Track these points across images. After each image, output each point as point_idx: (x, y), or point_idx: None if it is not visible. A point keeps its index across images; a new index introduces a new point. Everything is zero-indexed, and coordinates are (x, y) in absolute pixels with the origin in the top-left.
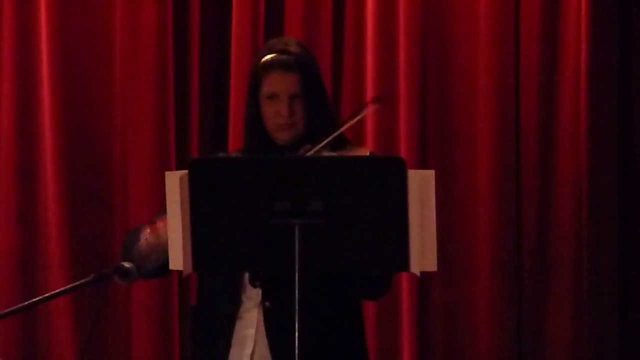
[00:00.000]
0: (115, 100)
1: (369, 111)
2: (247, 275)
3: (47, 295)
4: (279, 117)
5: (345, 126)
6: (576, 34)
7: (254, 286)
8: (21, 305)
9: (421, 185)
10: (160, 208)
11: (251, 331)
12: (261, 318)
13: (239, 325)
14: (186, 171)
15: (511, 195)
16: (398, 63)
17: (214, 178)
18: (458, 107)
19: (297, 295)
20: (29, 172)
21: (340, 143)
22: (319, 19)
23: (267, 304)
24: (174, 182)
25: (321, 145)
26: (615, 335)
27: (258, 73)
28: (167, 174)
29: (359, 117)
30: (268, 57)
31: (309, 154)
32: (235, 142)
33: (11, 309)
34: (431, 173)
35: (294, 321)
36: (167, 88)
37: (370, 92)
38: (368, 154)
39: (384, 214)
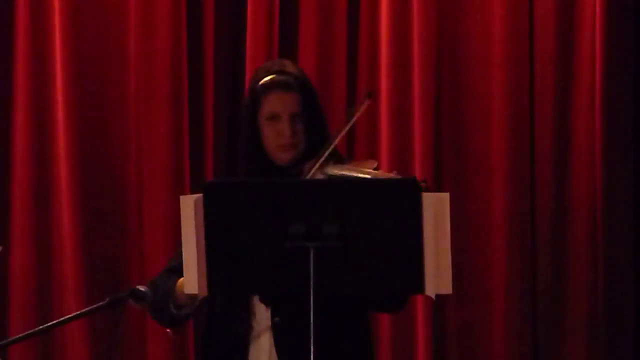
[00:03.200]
0: (130, 125)
1: (364, 109)
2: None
3: (62, 319)
4: (281, 137)
5: (344, 130)
6: (591, 55)
7: (266, 305)
8: (37, 329)
9: (436, 208)
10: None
11: (265, 357)
12: (272, 338)
13: (251, 351)
14: (201, 195)
15: (526, 216)
16: (412, 85)
17: (229, 201)
18: (473, 129)
19: (312, 317)
20: (44, 196)
21: (340, 157)
22: (334, 44)
23: (276, 319)
24: (189, 205)
25: (323, 158)
26: (631, 356)
27: (257, 94)
28: (182, 197)
29: (354, 119)
30: (266, 78)
31: (314, 169)
32: None
33: (27, 332)
34: (446, 195)
35: (302, 336)
36: (181, 111)
37: (384, 113)
38: (375, 165)
39: (398, 236)
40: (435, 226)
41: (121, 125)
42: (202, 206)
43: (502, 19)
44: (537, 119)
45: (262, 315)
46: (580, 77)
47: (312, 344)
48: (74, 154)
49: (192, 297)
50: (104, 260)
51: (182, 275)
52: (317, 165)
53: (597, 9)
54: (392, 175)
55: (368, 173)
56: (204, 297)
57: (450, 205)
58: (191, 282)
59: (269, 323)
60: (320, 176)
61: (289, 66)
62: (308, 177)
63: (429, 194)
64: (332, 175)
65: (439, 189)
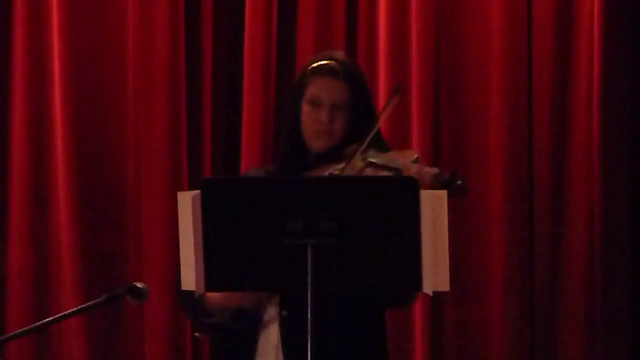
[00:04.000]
0: (128, 121)
1: (395, 99)
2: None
3: (60, 315)
4: (318, 123)
5: (384, 116)
6: (589, 54)
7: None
8: (34, 325)
9: (434, 205)
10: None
11: (273, 350)
12: (279, 331)
13: (260, 344)
14: (198, 191)
15: (523, 215)
16: (411, 84)
17: (226, 198)
18: (471, 128)
19: (309, 313)
20: (42, 193)
21: (382, 145)
22: (332, 40)
23: (284, 312)
24: (187, 202)
25: (365, 143)
26: (628, 354)
27: (305, 77)
28: (180, 194)
29: (389, 108)
30: (319, 62)
31: (357, 154)
32: (247, 161)
33: (24, 329)
34: (443, 193)
35: (312, 330)
36: (179, 108)
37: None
38: (416, 156)
39: (396, 233)
40: (433, 223)
41: (119, 122)
42: (200, 203)
43: (500, 16)
44: (534, 117)
45: (271, 307)
46: (578, 75)
47: (309, 339)
48: (72, 151)
49: (224, 306)
50: (102, 257)
51: None
52: (359, 150)
53: (595, 7)
54: (431, 170)
55: (405, 165)
56: (239, 306)
57: (448, 203)
58: (189, 279)
59: (277, 315)
60: (360, 163)
61: (343, 56)
62: (349, 162)
63: (427, 191)
64: (371, 162)
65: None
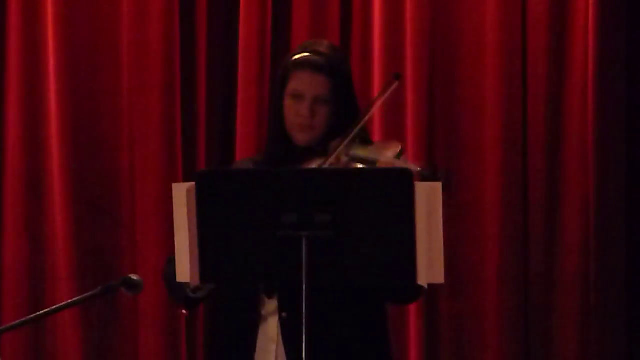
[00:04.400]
0: (123, 113)
1: (391, 90)
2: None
3: (54, 307)
4: (299, 117)
5: (371, 112)
6: (583, 45)
7: (269, 297)
8: (29, 317)
9: (428, 197)
10: (170, 226)
11: (272, 345)
12: (280, 333)
13: (259, 339)
14: (193, 183)
15: (519, 206)
16: (405, 75)
17: (221, 190)
18: (465, 119)
19: (304, 307)
20: (37, 185)
21: (365, 137)
22: (326, 33)
23: (284, 314)
24: (181, 194)
25: (350, 138)
26: (622, 345)
27: (287, 70)
28: (174, 186)
29: (382, 100)
30: (300, 55)
31: (339, 148)
32: (242, 153)
33: (19, 321)
34: (438, 185)
35: (312, 331)
36: (174, 100)
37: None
38: (400, 148)
39: (391, 225)
40: (427, 215)
41: (114, 114)
42: (195, 195)
43: (495, 9)
44: (529, 110)
45: (271, 304)
46: (573, 67)
47: (304, 334)
48: (67, 144)
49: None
50: (96, 249)
51: None
52: (343, 145)
53: None
54: (414, 166)
55: (387, 160)
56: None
57: (443, 195)
58: (183, 270)
59: (276, 311)
60: (344, 157)
61: (325, 47)
62: (333, 156)
63: (422, 182)
64: (355, 156)
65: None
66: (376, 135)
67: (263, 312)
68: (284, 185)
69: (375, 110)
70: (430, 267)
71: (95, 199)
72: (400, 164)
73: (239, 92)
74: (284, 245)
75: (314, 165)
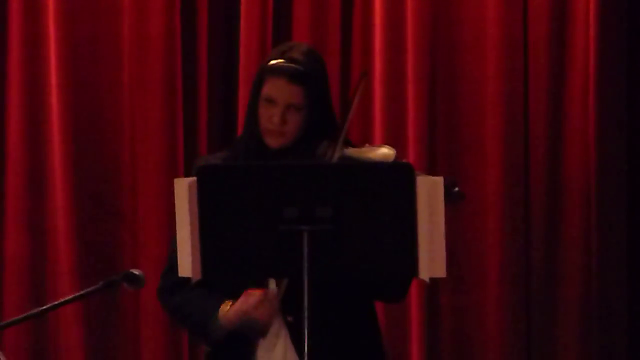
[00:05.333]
0: (124, 108)
1: (361, 89)
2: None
3: (56, 302)
4: (270, 122)
5: (350, 115)
6: (584, 39)
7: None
8: (31, 312)
9: (430, 192)
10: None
11: (276, 341)
12: (289, 335)
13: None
14: (195, 178)
15: (520, 200)
16: (406, 69)
17: (222, 185)
18: (467, 113)
19: (305, 301)
20: (38, 179)
21: (351, 143)
22: (327, 27)
23: (289, 318)
24: (183, 188)
25: (340, 143)
26: (624, 340)
27: (263, 74)
28: (176, 180)
29: (356, 101)
30: (276, 61)
31: (336, 152)
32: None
33: (20, 316)
34: (440, 179)
35: (318, 332)
36: (175, 95)
37: (378, 97)
38: (395, 153)
39: (392, 220)
40: (429, 210)
41: (115, 109)
42: (196, 189)
43: (496, 3)
44: (531, 103)
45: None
46: (574, 60)
47: (305, 327)
48: (68, 139)
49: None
50: (98, 244)
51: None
52: (337, 149)
53: None
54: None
55: (382, 156)
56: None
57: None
58: (185, 265)
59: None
60: (335, 160)
61: (302, 54)
62: (329, 160)
63: (423, 177)
64: (347, 158)
65: (432, 173)
66: (377, 131)
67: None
68: (285, 179)
69: (355, 112)
70: (431, 261)
71: (97, 194)
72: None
73: (240, 86)
74: (286, 240)
75: None
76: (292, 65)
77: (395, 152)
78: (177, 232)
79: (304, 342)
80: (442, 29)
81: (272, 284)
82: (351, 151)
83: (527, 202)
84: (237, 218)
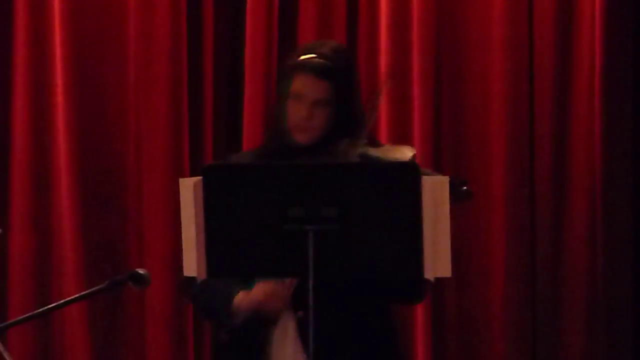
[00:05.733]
0: (129, 107)
1: (385, 90)
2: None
3: (61, 302)
4: (298, 118)
5: (373, 114)
6: (590, 39)
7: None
8: (36, 312)
9: (435, 192)
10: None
11: (288, 340)
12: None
13: (275, 333)
14: (200, 177)
15: (525, 200)
16: (412, 69)
17: (228, 184)
18: (472, 113)
19: (311, 301)
20: (43, 179)
21: (375, 142)
22: (333, 26)
23: (299, 313)
24: (188, 188)
25: (359, 139)
26: (630, 340)
27: (290, 70)
28: (181, 180)
29: (380, 99)
30: (304, 57)
31: (351, 151)
32: (249, 148)
33: (26, 315)
34: (445, 179)
35: (328, 329)
36: (181, 94)
37: (384, 96)
38: (413, 154)
39: (397, 220)
40: (434, 209)
41: (120, 108)
42: (202, 189)
43: (501, 3)
44: (536, 103)
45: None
46: (580, 60)
47: (310, 327)
48: (73, 138)
49: (247, 315)
50: (103, 244)
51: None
52: (355, 145)
53: None
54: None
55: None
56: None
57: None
58: (190, 264)
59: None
60: (356, 158)
61: (331, 49)
62: (345, 157)
63: (428, 177)
64: (366, 156)
65: (438, 172)
66: (383, 130)
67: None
68: (290, 179)
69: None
70: (437, 261)
71: (102, 193)
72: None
73: (246, 86)
74: (291, 239)
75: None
76: (320, 60)
77: (414, 153)
78: (182, 231)
79: (310, 339)
80: (448, 28)
81: None
82: (372, 150)
83: (532, 201)
84: (242, 217)
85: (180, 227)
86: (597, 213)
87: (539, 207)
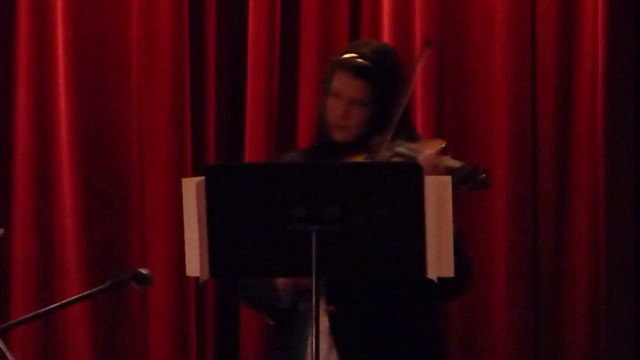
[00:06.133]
0: (132, 107)
1: (424, 59)
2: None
3: (64, 301)
4: (336, 116)
5: (411, 87)
6: (592, 39)
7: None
8: (38, 311)
9: (438, 191)
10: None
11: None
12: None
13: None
14: (203, 177)
15: (528, 200)
16: (415, 68)
17: (231, 184)
18: (474, 112)
19: (314, 300)
20: (46, 178)
21: (413, 134)
22: (336, 25)
23: (330, 308)
24: (191, 188)
25: (390, 133)
26: (632, 340)
27: (331, 67)
28: (184, 180)
29: (419, 68)
30: (345, 55)
31: (383, 146)
32: (251, 147)
33: (28, 315)
34: (448, 178)
35: (359, 324)
36: (183, 94)
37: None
38: (443, 145)
39: (400, 219)
40: (437, 209)
41: (123, 107)
42: (204, 189)
43: (505, 2)
44: (538, 103)
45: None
46: (582, 60)
47: (314, 326)
48: (76, 137)
49: (289, 291)
50: (106, 243)
51: None
52: (386, 140)
53: None
54: (453, 163)
55: (424, 156)
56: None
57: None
58: (193, 265)
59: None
60: (387, 152)
61: (372, 49)
62: (377, 153)
63: (431, 176)
64: (397, 152)
65: None
66: None
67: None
68: (293, 178)
69: (412, 89)
70: (439, 261)
71: (105, 193)
72: (433, 159)
73: (248, 86)
74: (294, 239)
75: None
76: (358, 60)
77: (444, 144)
78: (185, 231)
79: (313, 337)
80: (451, 28)
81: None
82: (402, 147)
83: (534, 201)
84: (245, 217)
85: (183, 227)
86: (599, 212)
87: (541, 206)
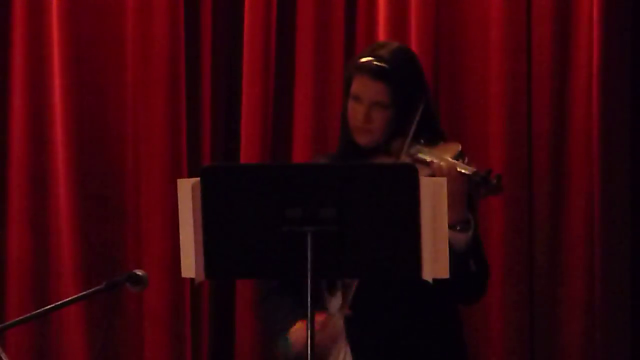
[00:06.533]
0: (127, 109)
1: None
2: (324, 284)
3: (59, 303)
4: (357, 120)
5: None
6: (588, 40)
7: (331, 294)
8: (33, 313)
9: (433, 193)
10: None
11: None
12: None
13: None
14: (198, 178)
15: (523, 201)
16: None
17: (226, 185)
18: (470, 114)
19: (309, 302)
20: (41, 179)
21: (434, 137)
22: (331, 27)
23: (348, 312)
24: (186, 189)
25: (409, 138)
26: (627, 340)
27: (351, 71)
28: (179, 181)
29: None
30: (364, 59)
31: (404, 149)
32: (247, 149)
33: (23, 316)
34: (443, 180)
35: (376, 327)
36: (179, 96)
37: None
38: (459, 149)
39: (396, 221)
40: (432, 211)
41: (118, 109)
42: (200, 190)
43: (500, 4)
44: (534, 104)
45: (336, 299)
46: (578, 61)
47: (308, 329)
48: (71, 138)
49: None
50: (101, 244)
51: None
52: (406, 144)
53: None
54: (466, 168)
55: (443, 160)
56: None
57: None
58: (188, 266)
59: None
60: (406, 157)
61: (391, 52)
62: (397, 157)
63: (427, 178)
64: (415, 157)
65: None
66: None
67: (329, 308)
68: (288, 180)
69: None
70: (435, 262)
71: (100, 195)
72: (446, 164)
73: (244, 87)
74: (289, 241)
75: None
76: (377, 63)
77: (459, 148)
78: (180, 232)
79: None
80: (446, 29)
81: (337, 299)
82: (420, 151)
83: (530, 202)
84: (240, 219)
85: (178, 228)
86: (595, 213)
87: (537, 207)
